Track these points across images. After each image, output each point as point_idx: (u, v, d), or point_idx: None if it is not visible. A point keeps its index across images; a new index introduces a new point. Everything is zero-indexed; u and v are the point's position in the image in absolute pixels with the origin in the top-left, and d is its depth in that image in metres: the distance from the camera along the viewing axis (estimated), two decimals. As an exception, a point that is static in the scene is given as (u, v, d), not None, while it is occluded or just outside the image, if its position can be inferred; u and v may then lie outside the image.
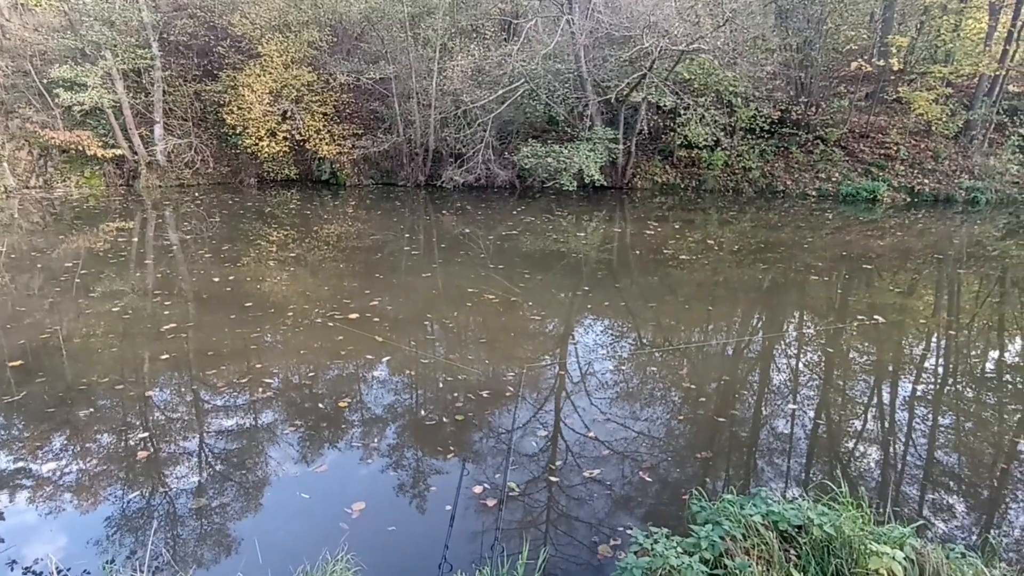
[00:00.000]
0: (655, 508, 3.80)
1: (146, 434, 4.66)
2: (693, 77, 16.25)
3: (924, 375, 6.01)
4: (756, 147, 16.87)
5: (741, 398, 5.41)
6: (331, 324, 6.82)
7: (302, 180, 19.17)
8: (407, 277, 9.04)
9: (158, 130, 17.93)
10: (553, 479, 4.05)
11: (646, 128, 16.93)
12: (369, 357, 6.02)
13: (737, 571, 2.45)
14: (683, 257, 10.19)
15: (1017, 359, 6.49)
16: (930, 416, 5.13)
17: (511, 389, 5.29)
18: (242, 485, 4.03)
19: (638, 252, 10.81)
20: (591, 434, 4.62)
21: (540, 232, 12.19)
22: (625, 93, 15.79)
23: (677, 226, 12.73)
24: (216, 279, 8.66)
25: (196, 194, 17.01)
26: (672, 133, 16.68)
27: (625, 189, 17.26)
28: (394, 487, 3.99)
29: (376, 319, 7.03)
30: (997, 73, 15.77)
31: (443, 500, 3.78)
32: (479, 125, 16.16)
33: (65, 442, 4.56)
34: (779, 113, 16.90)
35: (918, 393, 5.55)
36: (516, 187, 17.33)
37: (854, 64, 15.94)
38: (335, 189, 18.26)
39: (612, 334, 7.08)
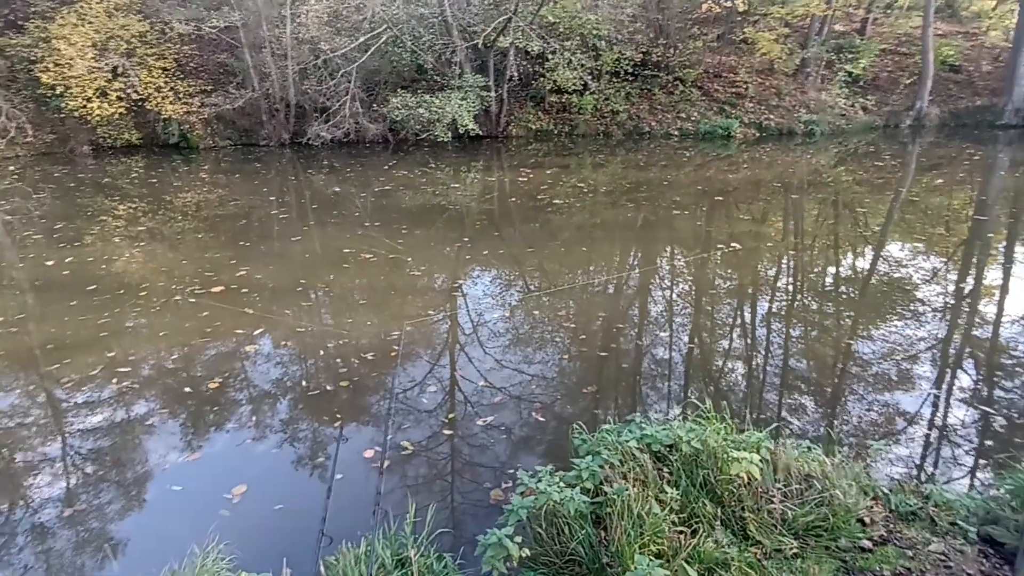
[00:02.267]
0: (549, 447, 3.98)
1: (-21, 446, 4.11)
2: (558, 20, 16.27)
3: (777, 294, 6.70)
4: (622, 90, 17.40)
5: (622, 331, 5.73)
6: (193, 300, 6.30)
7: (147, 145, 17.14)
8: (277, 243, 8.51)
9: (-48, 93, 15.15)
10: (448, 432, 4.10)
11: (516, 74, 16.83)
12: (240, 332, 5.66)
13: (615, 496, 2.63)
14: (560, 202, 10.43)
15: (849, 272, 7.40)
16: (783, 329, 5.75)
17: (396, 348, 5.22)
18: (108, 489, 3.68)
19: (517, 200, 10.91)
20: (483, 382, 4.70)
21: (417, 186, 11.91)
22: (492, 38, 15.52)
23: (553, 172, 12.96)
24: (50, 263, 7.64)
25: (16, 167, 14.71)
26: (542, 78, 16.74)
27: (500, 138, 17.22)
28: (278, 465, 3.84)
29: (245, 290, 6.59)
30: (825, 14, 17.27)
31: (331, 469, 3.70)
32: (342, 76, 15.23)
33: None
34: (641, 56, 17.47)
35: (773, 310, 6.20)
36: (389, 141, 16.68)
37: (705, 6, 16.73)
38: (187, 153, 16.54)
39: (498, 283, 7.16)
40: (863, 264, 7.67)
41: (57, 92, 15.26)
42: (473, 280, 7.25)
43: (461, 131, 15.35)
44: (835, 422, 4.17)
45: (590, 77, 16.45)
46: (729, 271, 7.24)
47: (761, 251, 8.00)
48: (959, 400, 4.47)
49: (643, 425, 3.35)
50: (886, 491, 2.91)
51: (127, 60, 15.59)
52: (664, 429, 3.25)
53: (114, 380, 4.86)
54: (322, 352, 5.23)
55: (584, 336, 5.50)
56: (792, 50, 17.44)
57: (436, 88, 15.92)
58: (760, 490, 2.81)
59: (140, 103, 15.98)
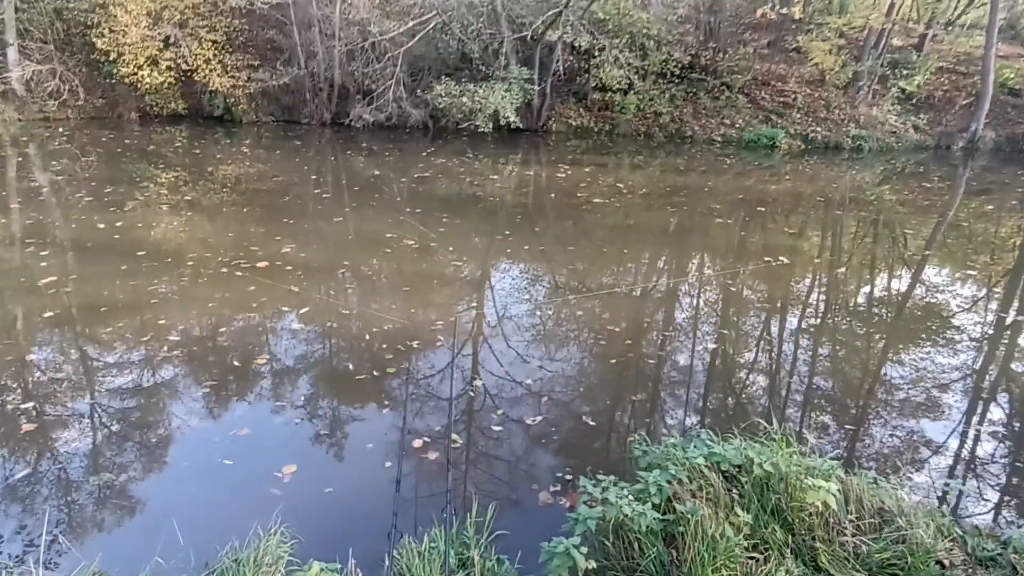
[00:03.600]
0: (587, 450, 3.93)
1: (30, 403, 4.18)
2: (608, 17, 16.06)
3: (809, 310, 6.56)
4: (667, 92, 17.14)
5: (658, 337, 5.65)
6: (239, 274, 6.36)
7: (192, 116, 17.37)
8: (318, 222, 8.56)
9: (12, 53, 15.46)
10: (496, 428, 4.07)
11: (561, 69, 16.67)
12: (285, 309, 5.70)
13: (689, 515, 2.57)
14: (596, 201, 10.33)
15: (883, 293, 7.21)
16: (812, 346, 5.62)
17: (441, 339, 5.21)
18: (153, 455, 3.74)
19: (554, 196, 10.83)
20: (527, 381, 4.66)
21: (455, 175, 11.89)
22: (541, 31, 15.39)
23: (590, 170, 12.84)
24: (101, 225, 7.78)
25: (66, 129, 15.01)
26: (587, 75, 16.55)
27: (540, 132, 17.10)
28: (327, 446, 3.85)
29: (289, 268, 6.63)
30: (884, 26, 16.80)
31: (380, 456, 3.70)
32: (389, 60, 15.24)
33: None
34: (689, 58, 17.18)
35: (803, 327, 6.06)
36: (429, 128, 16.67)
37: (759, 11, 16.39)
38: (229, 126, 16.73)
39: (530, 278, 7.12)
40: (899, 286, 7.47)
41: (110, 58, 15.53)
42: (502, 273, 7.21)
43: (502, 123, 15.27)
44: (905, 455, 4.04)
45: (636, 77, 16.24)
46: (762, 284, 7.11)
47: (797, 266, 7.83)
48: None
49: (708, 442, 3.26)
50: (962, 533, 2.81)
51: (179, 30, 15.78)
52: (733, 448, 3.16)
53: (164, 348, 4.92)
54: (367, 336, 5.24)
55: (628, 340, 5.43)
56: (845, 62, 17.00)
57: (480, 78, 15.85)
58: (832, 521, 2.73)
59: (189, 74, 16.18)
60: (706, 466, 2.93)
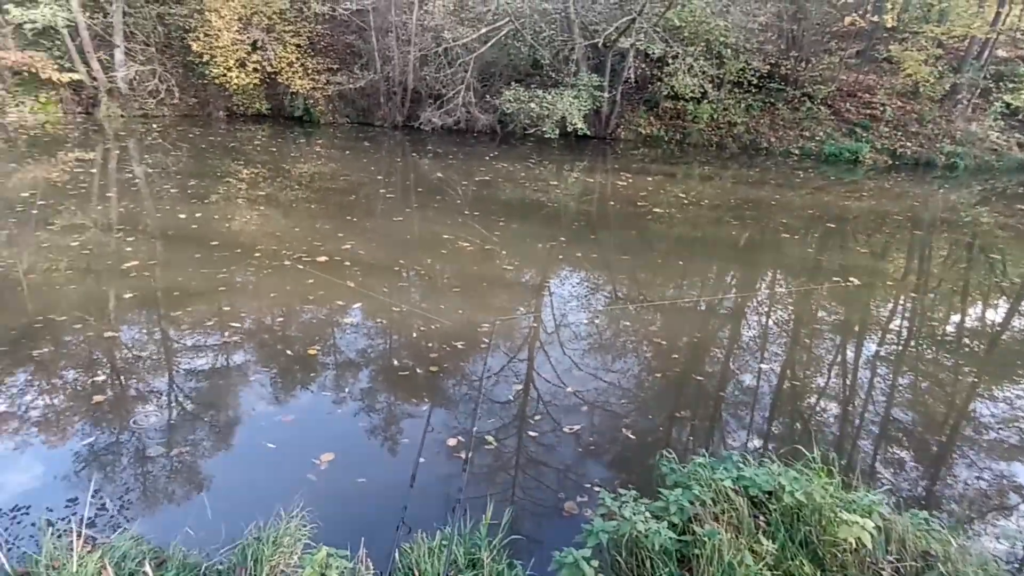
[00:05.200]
0: (623, 464, 3.82)
1: (109, 375, 4.50)
2: (684, 24, 15.72)
3: (889, 336, 6.11)
4: (742, 101, 16.58)
5: (713, 355, 5.44)
6: (301, 267, 6.61)
7: (274, 116, 18.33)
8: (381, 221, 8.79)
9: (118, 55, 16.83)
10: (526, 432, 4.03)
11: (633, 76, 16.45)
12: (340, 303, 5.87)
13: (706, 538, 2.45)
14: (661, 211, 10.09)
15: (976, 323, 6.63)
16: (892, 376, 5.23)
17: (485, 340, 5.21)
18: (207, 433, 3.93)
19: (617, 204, 10.67)
20: (569, 388, 4.59)
21: (518, 180, 11.93)
22: (613, 38, 15.24)
23: (657, 179, 12.57)
24: (182, 216, 8.31)
25: (161, 125, 16.17)
26: (659, 83, 16.25)
27: (608, 139, 16.92)
28: (365, 438, 3.92)
29: (348, 263, 6.84)
30: (988, 36, 15.59)
31: (415, 451, 3.73)
32: (460, 65, 15.52)
33: (26, 380, 4.38)
34: (768, 67, 16.55)
35: (882, 353, 5.65)
36: (496, 132, 16.84)
37: (848, 19, 15.59)
38: (308, 126, 17.53)
39: (587, 286, 7.02)
40: (994, 316, 6.84)
41: (204, 60, 16.61)
42: (560, 280, 7.14)
43: (569, 129, 15.22)
44: (958, 494, 3.71)
45: (710, 85, 15.81)
46: (837, 305, 6.69)
47: (876, 288, 7.33)
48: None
49: (740, 465, 3.11)
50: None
51: (266, 35, 16.69)
52: (764, 473, 3.00)
53: (225, 332, 5.18)
54: (414, 334, 5.31)
55: (674, 355, 5.25)
56: (943, 73, 15.89)
57: (550, 84, 15.87)
58: (868, 560, 2.52)
59: (273, 76, 17.08)
60: (733, 489, 2.77)
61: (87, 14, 16.21)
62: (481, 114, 16.28)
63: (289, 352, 4.93)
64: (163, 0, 17.60)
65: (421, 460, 3.62)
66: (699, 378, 4.97)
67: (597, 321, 5.99)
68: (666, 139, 16.79)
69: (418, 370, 4.70)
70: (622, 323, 5.92)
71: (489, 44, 15.28)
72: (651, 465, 3.83)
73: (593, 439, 4.00)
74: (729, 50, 15.88)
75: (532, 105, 14.81)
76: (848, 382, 5.15)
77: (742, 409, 4.63)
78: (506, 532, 2.75)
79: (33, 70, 15.65)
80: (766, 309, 6.65)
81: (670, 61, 15.47)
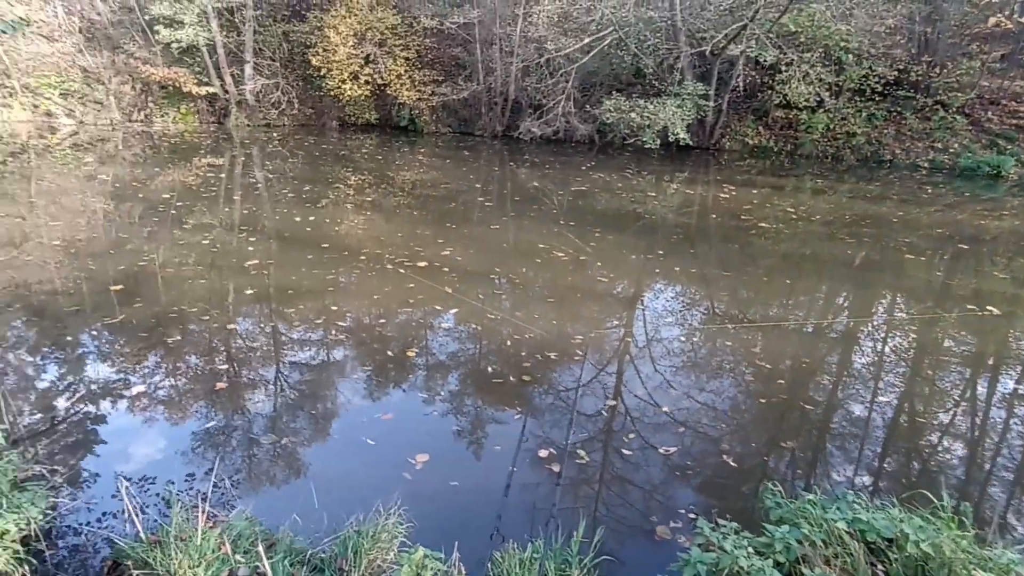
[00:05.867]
0: (720, 491, 3.62)
1: (228, 363, 4.88)
2: (800, 30, 14.88)
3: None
4: (864, 110, 15.43)
5: (820, 382, 5.06)
6: (402, 271, 6.87)
7: (382, 125, 19.30)
8: (478, 228, 8.96)
9: (248, 69, 18.42)
10: (619, 449, 3.93)
11: (741, 85, 15.79)
12: (437, 307, 6.03)
13: (818, 582, 2.26)
14: (767, 226, 9.56)
15: None
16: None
17: (579, 353, 5.15)
18: (311, 425, 4.16)
19: (719, 217, 10.24)
20: (664, 408, 4.44)
21: (614, 190, 11.76)
22: (722, 45, 14.71)
23: (764, 192, 11.94)
24: (297, 219, 8.90)
25: (281, 134, 17.48)
26: (770, 91, 15.49)
27: (712, 150, 16.33)
28: (458, 442, 3.99)
29: (446, 269, 7.02)
30: None
31: (508, 460, 3.75)
32: (562, 75, 15.59)
33: (157, 362, 4.85)
34: (895, 73, 15.29)
35: (1021, 392, 5.00)
36: (595, 142, 16.74)
37: (992, 20, 14.07)
38: (412, 136, 18.29)
39: (683, 301, 6.78)
40: None
41: (321, 74, 17.81)
42: (655, 293, 6.92)
43: (670, 139, 14.84)
44: None
45: (827, 93, 14.85)
46: (968, 335, 6.00)
47: (1017, 318, 6.51)
48: None
49: (856, 506, 2.85)
50: None
51: (378, 49, 17.61)
52: (884, 518, 2.72)
53: (332, 331, 5.48)
54: (508, 342, 5.35)
55: (779, 380, 4.93)
56: (1108, 78, 13.98)
57: (652, 93, 15.57)
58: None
59: (383, 88, 17.99)
60: (847, 532, 2.53)
61: (224, 33, 17.88)
62: (580, 124, 16.26)
63: (389, 352, 5.13)
64: (288, 19, 19.07)
65: (512, 469, 3.62)
66: (805, 406, 4.63)
67: (693, 338, 5.76)
68: (775, 150, 15.94)
69: (511, 378, 4.73)
70: (719, 342, 5.65)
71: (591, 54, 15.24)
72: (750, 495, 3.62)
73: (688, 462, 3.83)
74: (851, 56, 14.85)
75: (633, 115, 14.59)
76: (979, 421, 4.61)
77: (851, 442, 4.26)
78: (596, 551, 2.69)
79: (177, 84, 17.47)
80: (883, 335, 6.10)
81: (783, 68, 14.70)
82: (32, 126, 16.86)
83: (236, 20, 18.29)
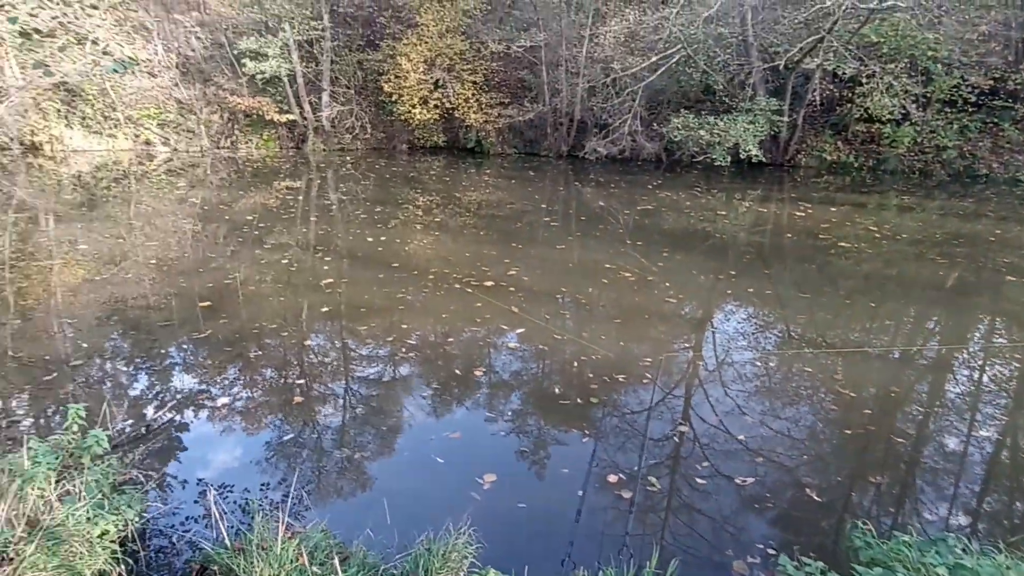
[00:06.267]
0: (801, 527, 3.41)
1: (303, 378, 5.07)
2: (882, 40, 14.20)
3: None
4: (955, 122, 14.48)
5: (910, 413, 4.71)
6: (469, 290, 6.95)
7: (449, 147, 19.80)
8: (544, 248, 8.98)
9: (325, 97, 19.39)
10: (692, 478, 3.79)
11: (818, 99, 15.19)
12: (503, 327, 6.06)
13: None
14: (848, 245, 9.08)
15: None
16: None
17: (648, 376, 5.03)
18: (381, 441, 4.24)
19: (794, 236, 9.82)
20: (740, 436, 4.25)
21: (682, 209, 11.52)
22: (796, 59, 14.25)
23: (843, 210, 11.38)
24: (369, 239, 9.22)
25: (353, 158, 18.25)
26: (849, 105, 14.82)
27: (786, 166, 15.75)
28: (526, 463, 3.96)
29: (512, 288, 7.05)
30: None
31: (575, 483, 3.68)
32: (628, 94, 15.52)
33: (237, 375, 5.11)
34: (991, 82, 14.30)
35: None
36: (662, 160, 16.51)
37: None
38: (478, 157, 18.64)
39: (756, 324, 6.51)
40: None
41: (392, 99, 18.50)
42: (730, 317, 6.68)
43: (742, 156, 14.43)
44: None
45: (913, 105, 14.06)
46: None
47: None
48: None
49: (956, 550, 2.61)
50: None
51: (447, 74, 18.14)
52: (991, 565, 2.47)
53: (403, 349, 5.60)
54: (575, 363, 5.30)
55: (866, 409, 4.62)
56: None
57: (722, 110, 15.24)
58: None
59: (450, 111, 18.48)
60: (948, 580, 2.31)
61: (303, 64, 18.93)
62: (647, 142, 16.10)
63: (456, 370, 5.18)
64: (362, 48, 19.97)
65: (579, 493, 3.55)
66: (894, 438, 4.32)
67: (767, 363, 5.51)
68: (856, 166, 15.20)
69: (578, 400, 4.66)
70: (796, 367, 5.37)
71: (659, 72, 15.11)
72: (832, 531, 3.40)
73: (765, 494, 3.64)
74: (939, 65, 14.02)
75: (702, 132, 14.31)
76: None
77: (946, 479, 3.92)
78: (671, 585, 2.58)
79: (260, 113, 18.60)
80: (980, 364, 5.62)
81: (864, 80, 14.05)
82: (133, 154, 18.35)
83: (315, 51, 19.32)
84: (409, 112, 18.33)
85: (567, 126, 17.73)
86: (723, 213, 11.50)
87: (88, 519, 2.56)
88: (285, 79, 18.46)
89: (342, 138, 19.81)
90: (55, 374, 4.93)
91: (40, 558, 2.23)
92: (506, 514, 3.40)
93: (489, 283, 7.19)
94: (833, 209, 11.40)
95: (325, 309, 6.53)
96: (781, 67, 14.74)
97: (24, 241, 9.14)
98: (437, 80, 18.14)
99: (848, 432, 4.32)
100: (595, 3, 16.11)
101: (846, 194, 12.97)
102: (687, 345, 5.87)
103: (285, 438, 4.19)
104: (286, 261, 8.17)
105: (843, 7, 12.78)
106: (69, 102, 18.07)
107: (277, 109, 18.64)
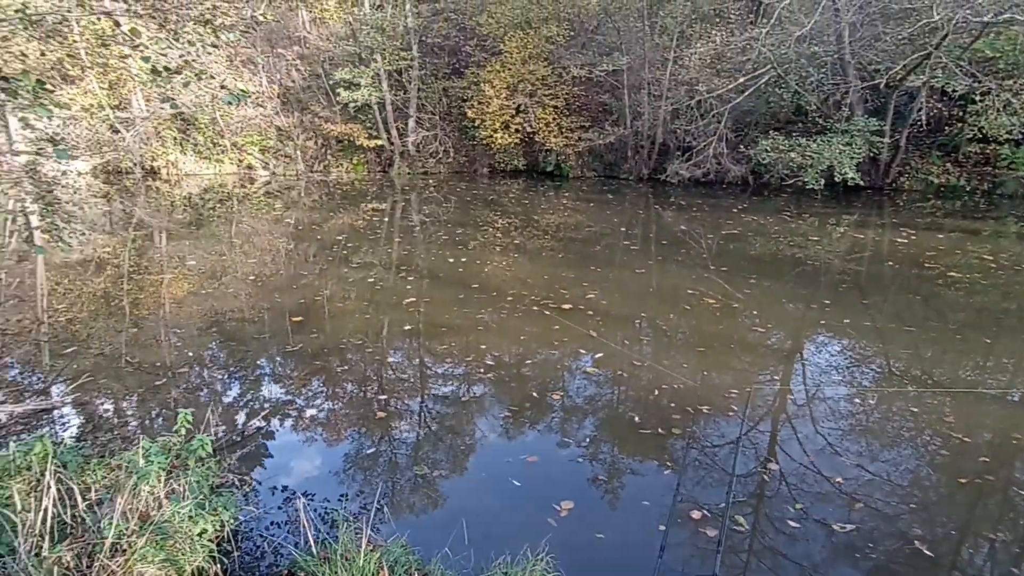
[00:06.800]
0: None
1: (383, 392, 5.21)
2: (999, 55, 13.14)
3: None
4: (1086, 142, 13.12)
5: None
6: (547, 313, 6.94)
7: (528, 171, 20.06)
8: (622, 272, 8.85)
9: (411, 123, 20.23)
10: (784, 521, 3.55)
11: (923, 118, 14.20)
12: (581, 351, 5.99)
13: None
14: (959, 275, 8.35)
15: None
16: None
17: (734, 409, 4.80)
18: (457, 460, 4.27)
19: (896, 265, 9.15)
20: (836, 478, 3.95)
21: (773, 234, 11.03)
22: (899, 77, 13.43)
23: (953, 237, 10.50)
24: (451, 260, 9.44)
25: (436, 181, 18.85)
26: (960, 124, 13.76)
27: (887, 190, 14.79)
28: (604, 493, 3.85)
29: (590, 312, 6.98)
30: None
31: (656, 516, 3.54)
32: (713, 116, 15.16)
33: (322, 387, 5.33)
34: None
35: None
36: (749, 184, 15.95)
37: None
38: (557, 180, 18.75)
39: (852, 357, 6.07)
40: None
41: (475, 124, 19.02)
42: (822, 349, 6.26)
43: (836, 179, 13.69)
44: None
45: (1035, 124, 12.86)
46: None
47: None
48: None
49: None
50: None
51: (529, 99, 18.46)
52: None
53: (480, 369, 5.65)
54: (656, 392, 5.14)
55: (982, 458, 4.17)
56: None
57: (815, 131, 14.57)
58: None
59: (531, 135, 18.75)
60: None
61: (392, 92, 19.87)
62: (732, 165, 15.63)
63: (533, 393, 5.16)
64: (448, 76, 20.73)
65: (661, 527, 3.41)
66: (1016, 490, 3.87)
67: (864, 400, 5.11)
68: (968, 189, 14.05)
69: (659, 430, 4.51)
70: (898, 406, 4.95)
71: (746, 93, 14.68)
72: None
73: (867, 544, 3.34)
74: (1065, 81, 12.78)
75: (793, 154, 13.72)
76: None
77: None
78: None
79: (351, 139, 19.66)
80: None
81: (977, 98, 13.01)
82: (236, 177, 19.85)
83: (403, 80, 20.24)
84: (491, 136, 18.76)
85: (648, 149, 17.53)
86: (815, 239, 10.91)
87: (190, 518, 2.72)
88: (375, 106, 19.43)
89: (426, 162, 20.54)
90: (164, 380, 5.34)
91: (149, 551, 2.40)
92: (584, 544, 3.31)
93: (567, 306, 7.16)
94: (941, 236, 10.56)
95: (407, 327, 6.72)
96: (882, 86, 13.93)
97: (140, 256, 10.05)
98: (519, 105, 18.49)
99: (961, 481, 3.92)
100: (679, 26, 15.93)
101: (956, 220, 11.98)
102: (775, 377, 5.56)
103: (364, 451, 4.31)
104: (371, 280, 8.50)
105: (953, 21, 11.93)
106: (184, 130, 19.89)
107: (367, 135, 19.62)
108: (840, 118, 14.21)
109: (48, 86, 3.61)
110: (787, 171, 14.20)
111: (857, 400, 5.11)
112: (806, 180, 13.69)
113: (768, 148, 14.16)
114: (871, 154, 14.08)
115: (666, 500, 3.67)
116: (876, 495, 3.80)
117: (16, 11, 3.84)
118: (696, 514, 3.54)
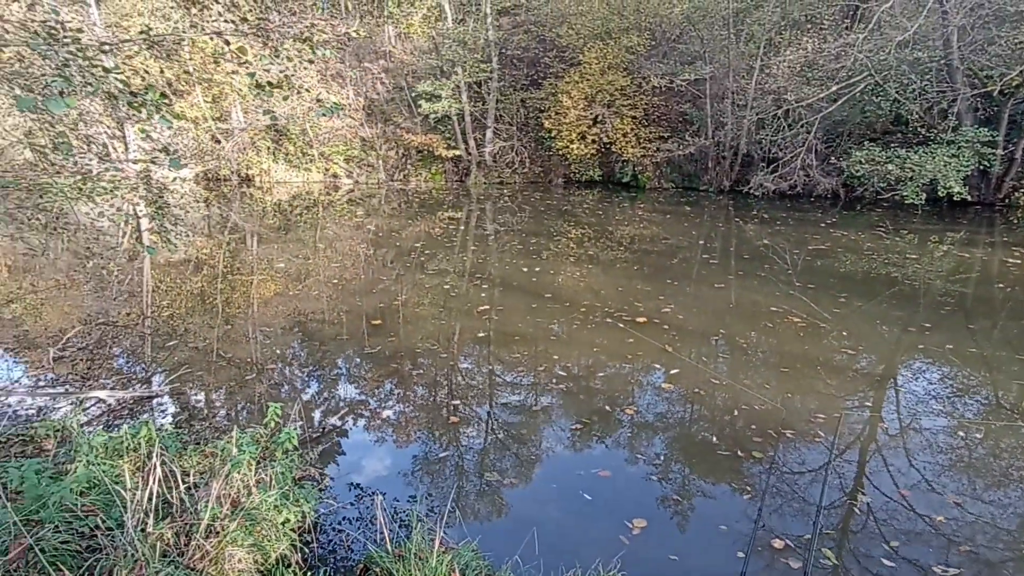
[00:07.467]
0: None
1: (454, 398, 5.30)
2: None
3: None
4: None
5: None
6: (621, 326, 6.83)
7: (604, 181, 19.90)
8: (700, 286, 8.58)
9: (489, 134, 20.58)
10: (877, 559, 3.30)
11: (1041, 129, 13.00)
12: (657, 366, 5.85)
13: None
14: (1087, 302, 7.54)
15: None
16: None
17: (820, 435, 4.53)
18: (529, 469, 4.26)
19: (1009, 288, 8.37)
20: (937, 517, 3.65)
21: (864, 251, 10.37)
22: (1016, 84, 12.34)
23: (1079, 259, 9.50)
24: (524, 269, 9.49)
25: (511, 191, 19.04)
26: (1088, 134, 12.48)
27: (998, 206, 13.59)
28: (678, 514, 3.73)
29: (665, 326, 6.81)
30: None
31: (733, 542, 3.39)
32: (802, 126, 14.49)
33: (395, 389, 5.49)
34: None
35: None
36: (839, 197, 15.10)
37: None
38: (633, 191, 18.49)
39: (953, 387, 5.58)
40: None
41: (551, 135, 19.11)
42: (918, 376, 5.79)
43: (940, 194, 12.72)
44: None
45: None
46: None
47: None
48: None
49: None
50: None
51: (607, 110, 18.35)
52: None
53: (552, 380, 5.63)
54: (735, 412, 4.94)
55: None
56: None
57: (916, 142, 13.62)
58: None
59: (608, 146, 18.61)
60: None
61: (471, 103, 20.31)
62: (822, 177, 14.86)
63: (606, 407, 5.08)
64: (526, 87, 20.96)
65: (739, 554, 3.26)
66: None
67: (967, 434, 4.68)
68: (1093, 207, 12.68)
69: (739, 452, 4.32)
70: (1006, 442, 4.50)
71: (840, 102, 13.94)
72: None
73: (974, 592, 3.06)
74: None
75: (890, 166, 12.89)
76: None
77: None
78: None
79: (430, 149, 20.25)
80: None
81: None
82: (322, 185, 20.88)
83: (482, 91, 20.66)
84: (567, 147, 18.79)
85: (730, 160, 16.97)
86: (914, 257, 10.16)
87: (275, 507, 2.87)
88: (454, 117, 19.93)
89: (502, 172, 20.82)
90: (252, 375, 5.66)
91: (239, 535, 2.55)
92: (659, 564, 3.21)
93: (641, 319, 7.02)
94: (1063, 257, 9.58)
95: (479, 334, 6.80)
96: (995, 93, 12.84)
97: (234, 258, 10.74)
98: (596, 116, 18.41)
99: (1087, 531, 3.51)
100: (767, 33, 15.37)
101: (1081, 240, 10.84)
102: (865, 404, 5.20)
103: (434, 454, 4.39)
104: (445, 286, 8.68)
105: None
106: (277, 140, 21.18)
107: (445, 145, 20.14)
108: (945, 128, 13.21)
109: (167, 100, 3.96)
110: (883, 184, 13.35)
111: (960, 433, 4.70)
112: (905, 194, 12.80)
113: (863, 159, 13.36)
114: (981, 167, 12.98)
115: (743, 526, 3.51)
116: (979, 538, 3.47)
117: (140, 33, 4.22)
118: (778, 543, 3.36)
